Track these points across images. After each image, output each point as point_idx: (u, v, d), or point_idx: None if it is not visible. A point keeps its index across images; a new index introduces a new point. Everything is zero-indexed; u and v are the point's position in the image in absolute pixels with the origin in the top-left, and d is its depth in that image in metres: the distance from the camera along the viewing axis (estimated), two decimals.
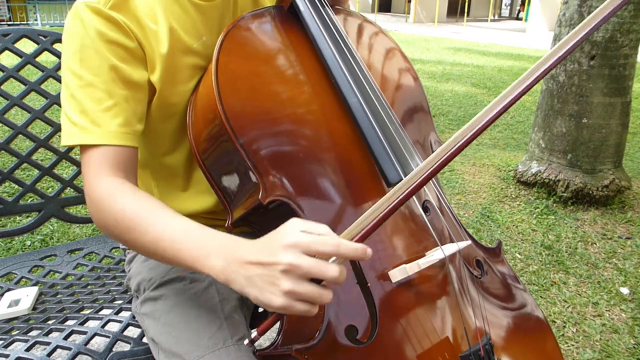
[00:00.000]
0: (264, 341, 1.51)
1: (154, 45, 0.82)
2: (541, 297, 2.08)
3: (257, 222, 0.82)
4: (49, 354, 0.93)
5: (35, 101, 1.42)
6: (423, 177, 0.60)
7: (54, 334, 0.99)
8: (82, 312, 1.07)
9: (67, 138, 0.79)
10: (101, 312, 1.06)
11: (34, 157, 1.40)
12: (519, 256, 2.39)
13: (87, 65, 0.78)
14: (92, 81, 0.78)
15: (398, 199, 0.61)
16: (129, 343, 0.97)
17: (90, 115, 0.78)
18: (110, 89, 0.78)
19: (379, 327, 0.72)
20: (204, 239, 0.65)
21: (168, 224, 0.69)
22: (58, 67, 1.42)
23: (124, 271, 1.32)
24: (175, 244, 0.67)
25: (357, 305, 0.73)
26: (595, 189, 2.86)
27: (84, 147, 0.79)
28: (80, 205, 2.63)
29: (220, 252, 0.63)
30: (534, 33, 15.54)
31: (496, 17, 26.81)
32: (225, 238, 0.65)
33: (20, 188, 1.38)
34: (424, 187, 0.86)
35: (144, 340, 0.97)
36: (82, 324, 1.02)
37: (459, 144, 0.59)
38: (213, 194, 0.87)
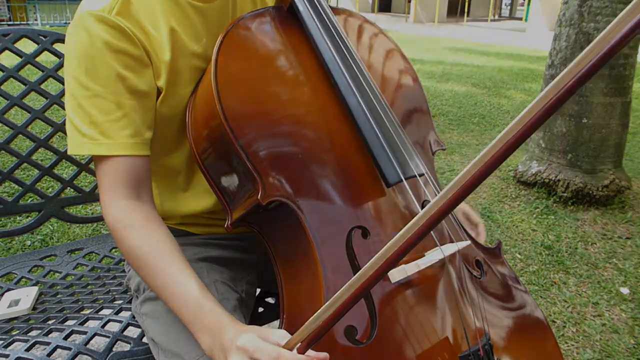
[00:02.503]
0: None
1: (157, 52, 0.82)
2: (541, 297, 2.08)
3: (256, 222, 0.82)
4: (49, 354, 0.93)
5: (35, 101, 1.42)
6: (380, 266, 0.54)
7: (54, 334, 0.99)
8: (82, 312, 1.07)
9: (77, 148, 0.80)
10: (101, 312, 1.06)
11: (34, 157, 1.40)
12: (519, 256, 2.39)
13: (94, 75, 0.77)
14: (100, 92, 0.78)
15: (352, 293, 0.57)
16: (129, 343, 0.97)
17: (100, 126, 0.78)
18: (119, 99, 0.79)
19: (378, 328, 0.72)
20: (200, 313, 0.72)
21: (173, 279, 0.75)
22: (58, 67, 1.42)
23: (124, 271, 1.32)
24: (176, 302, 0.74)
25: (356, 305, 0.73)
26: (596, 189, 2.86)
27: (97, 158, 0.81)
28: (80, 205, 2.63)
29: (209, 332, 0.70)
30: (534, 33, 15.54)
31: (496, 17, 26.80)
32: (217, 318, 0.71)
33: (20, 188, 1.38)
34: (423, 187, 0.86)
35: (144, 340, 0.97)
36: (82, 324, 1.02)
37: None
38: (213, 194, 0.87)
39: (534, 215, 2.80)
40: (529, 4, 19.28)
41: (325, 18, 0.87)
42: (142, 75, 0.81)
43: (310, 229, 0.75)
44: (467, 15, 22.63)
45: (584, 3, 2.78)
